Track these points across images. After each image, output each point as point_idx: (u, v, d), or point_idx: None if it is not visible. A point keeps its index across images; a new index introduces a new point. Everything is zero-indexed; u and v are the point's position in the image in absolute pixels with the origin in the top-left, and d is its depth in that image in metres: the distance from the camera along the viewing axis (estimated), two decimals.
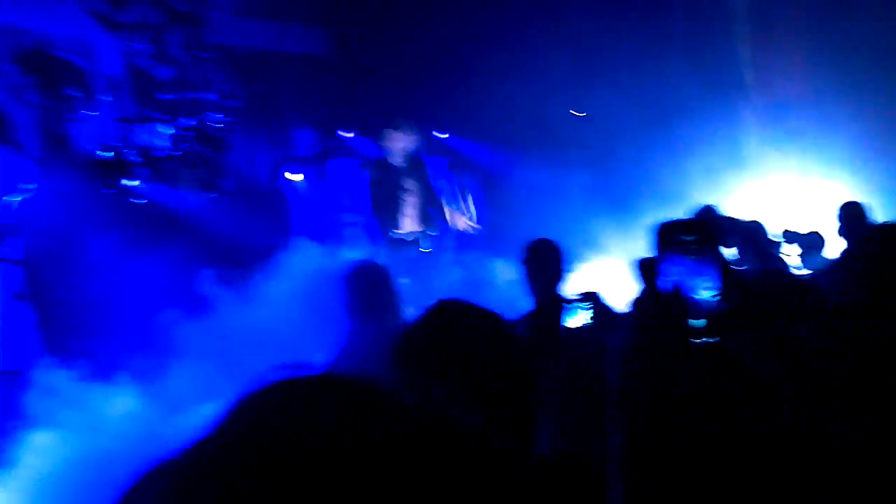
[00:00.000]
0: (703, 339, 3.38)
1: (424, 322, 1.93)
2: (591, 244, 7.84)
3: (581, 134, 10.36)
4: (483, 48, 10.75)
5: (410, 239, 8.30)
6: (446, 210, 8.71)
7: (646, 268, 4.70)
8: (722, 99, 9.40)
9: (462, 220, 8.83)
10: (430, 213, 8.49)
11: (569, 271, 4.94)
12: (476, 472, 0.81)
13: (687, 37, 9.81)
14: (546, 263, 4.84)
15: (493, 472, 0.84)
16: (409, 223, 8.35)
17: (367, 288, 4.49)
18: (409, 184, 8.40)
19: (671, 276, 3.73)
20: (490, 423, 1.72)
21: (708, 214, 6.40)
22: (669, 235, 3.83)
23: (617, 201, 8.62)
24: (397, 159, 8.35)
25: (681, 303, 3.52)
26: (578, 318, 4.54)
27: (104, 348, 6.56)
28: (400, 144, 8.24)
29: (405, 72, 11.35)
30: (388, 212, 8.28)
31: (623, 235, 7.88)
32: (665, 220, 3.91)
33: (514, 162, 10.45)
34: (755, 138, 9.64)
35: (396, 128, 8.04)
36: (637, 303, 4.02)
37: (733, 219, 6.68)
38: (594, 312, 4.55)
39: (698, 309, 3.54)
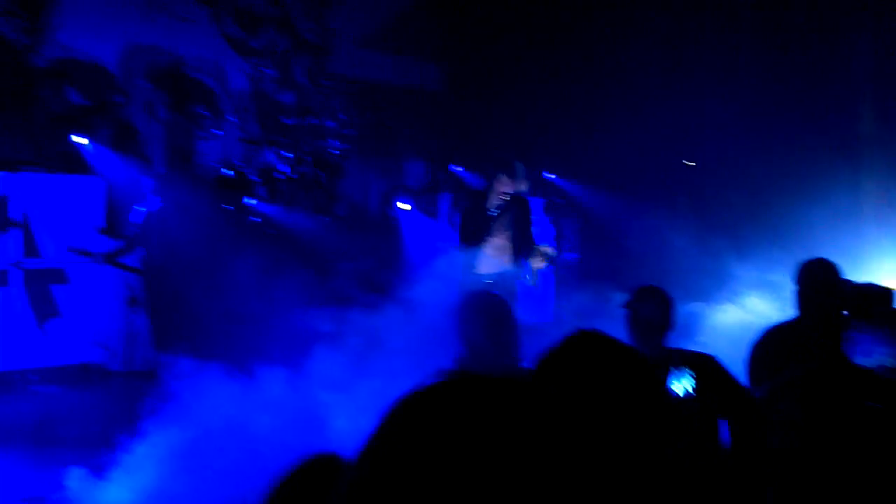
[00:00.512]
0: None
1: (563, 350, 1.91)
2: (701, 294, 7.77)
3: (691, 183, 10.37)
4: (598, 92, 10.88)
5: (495, 275, 8.40)
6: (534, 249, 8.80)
7: (831, 334, 4.47)
8: (843, 155, 9.29)
9: (540, 259, 8.82)
10: (520, 251, 8.56)
11: (676, 322, 4.73)
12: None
13: (805, 90, 9.75)
14: (655, 310, 4.50)
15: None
16: (496, 259, 8.44)
17: (488, 319, 4.40)
18: (505, 221, 8.49)
19: (862, 344, 3.57)
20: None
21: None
22: (865, 305, 3.65)
23: (725, 251, 8.57)
24: (500, 197, 8.48)
25: (875, 379, 3.41)
26: (682, 385, 4.20)
27: (222, 350, 6.80)
28: (507, 187, 8.34)
29: (517, 110, 11.55)
30: (477, 246, 8.36)
31: (735, 286, 7.82)
32: (856, 287, 3.71)
33: (621, 207, 10.50)
34: (875, 194, 9.48)
35: (507, 171, 8.14)
36: (818, 372, 3.80)
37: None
38: (708, 379, 4.20)
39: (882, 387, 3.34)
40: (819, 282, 4.85)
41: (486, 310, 4.55)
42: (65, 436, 6.90)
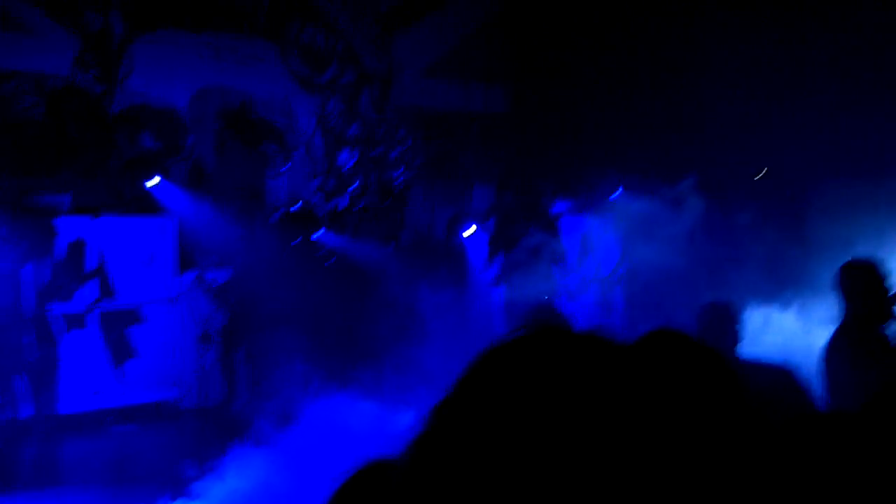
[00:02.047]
0: None
1: (641, 347, 1.84)
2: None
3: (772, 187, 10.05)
4: (665, 106, 10.68)
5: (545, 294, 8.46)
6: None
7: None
8: None
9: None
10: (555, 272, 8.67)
11: (743, 336, 4.69)
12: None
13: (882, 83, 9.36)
14: (721, 325, 4.56)
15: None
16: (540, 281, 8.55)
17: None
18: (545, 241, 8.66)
19: None
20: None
21: None
22: None
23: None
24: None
25: None
26: None
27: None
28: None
29: (586, 126, 11.43)
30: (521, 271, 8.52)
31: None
32: None
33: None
34: None
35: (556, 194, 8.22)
36: None
37: None
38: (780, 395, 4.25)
39: None
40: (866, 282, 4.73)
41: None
42: (140, 474, 7.08)
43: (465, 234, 9.75)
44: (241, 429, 7.82)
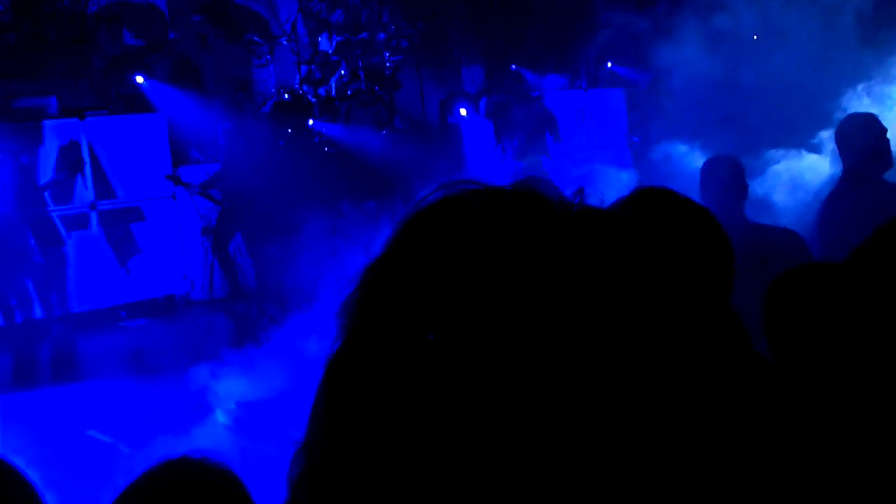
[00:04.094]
0: None
1: (626, 207, 1.74)
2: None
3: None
4: None
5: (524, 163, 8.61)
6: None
7: None
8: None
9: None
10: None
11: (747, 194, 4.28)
12: None
13: None
14: (722, 182, 4.27)
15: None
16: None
17: None
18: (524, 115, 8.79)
19: None
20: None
21: None
22: None
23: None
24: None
25: None
26: None
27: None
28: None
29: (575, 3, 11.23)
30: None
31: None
32: None
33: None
34: None
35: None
36: None
37: None
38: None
39: None
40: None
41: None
42: (156, 365, 7.20)
43: (459, 114, 9.71)
44: (248, 321, 7.95)
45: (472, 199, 0.71)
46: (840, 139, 4.69)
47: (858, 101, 7.21)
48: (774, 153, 7.22)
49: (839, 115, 5.44)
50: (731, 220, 4.20)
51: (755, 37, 10.15)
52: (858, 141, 4.63)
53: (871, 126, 4.64)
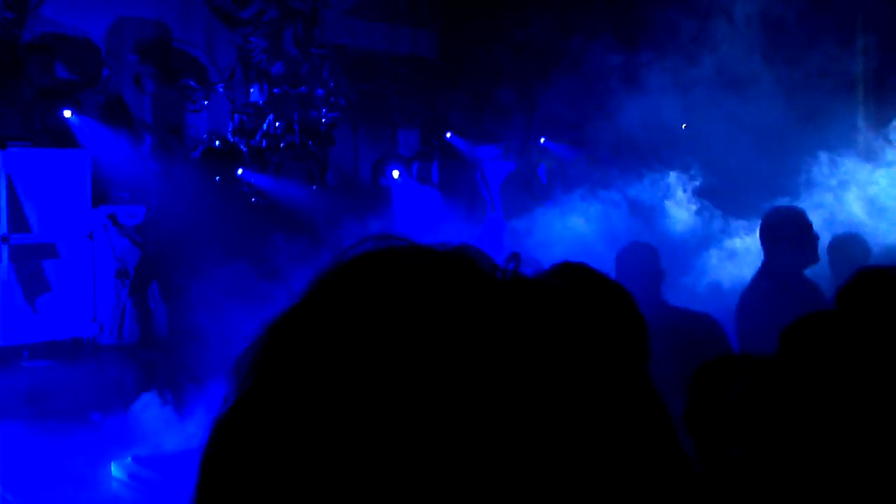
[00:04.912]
0: None
1: (548, 280, 1.75)
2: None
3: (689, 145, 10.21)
4: (592, 58, 10.73)
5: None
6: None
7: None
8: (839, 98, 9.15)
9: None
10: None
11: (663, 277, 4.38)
12: None
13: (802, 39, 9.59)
14: (640, 267, 4.35)
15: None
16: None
17: None
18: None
19: None
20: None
21: None
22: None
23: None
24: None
25: None
26: None
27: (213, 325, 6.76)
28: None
29: (512, 75, 11.43)
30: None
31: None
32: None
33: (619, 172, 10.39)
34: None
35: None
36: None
37: None
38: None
39: None
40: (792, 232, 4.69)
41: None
42: (57, 409, 6.91)
43: (391, 175, 9.71)
44: (158, 370, 7.71)
45: (397, 256, 0.66)
46: (763, 232, 4.71)
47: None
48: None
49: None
50: (649, 303, 4.25)
51: (684, 125, 10.47)
52: (781, 235, 4.69)
53: (795, 220, 4.67)
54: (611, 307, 1.76)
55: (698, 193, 8.70)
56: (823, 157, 7.85)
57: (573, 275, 1.82)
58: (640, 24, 10.34)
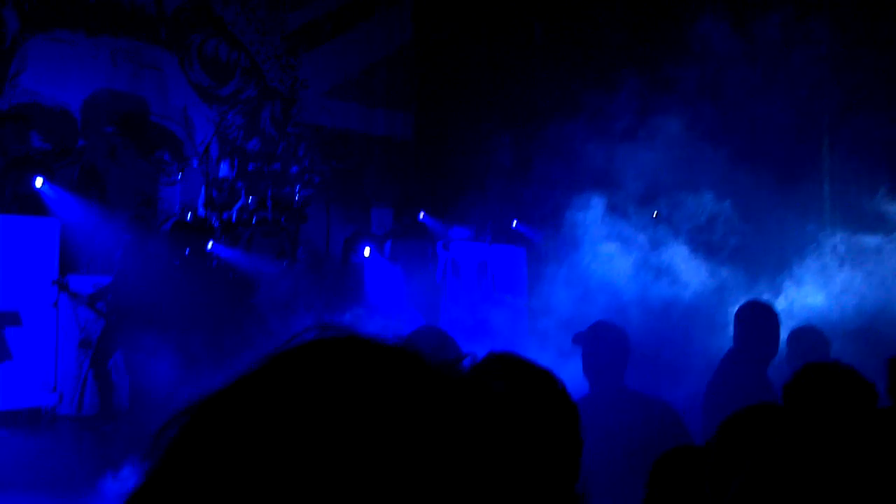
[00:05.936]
0: None
1: (479, 373, 1.70)
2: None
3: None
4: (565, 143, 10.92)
5: None
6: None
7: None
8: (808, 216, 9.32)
9: None
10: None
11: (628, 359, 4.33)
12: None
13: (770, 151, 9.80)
14: (606, 348, 4.30)
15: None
16: None
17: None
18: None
19: None
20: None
21: None
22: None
23: None
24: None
25: None
26: None
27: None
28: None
29: (486, 158, 11.62)
30: None
31: None
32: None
33: None
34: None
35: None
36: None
37: None
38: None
39: None
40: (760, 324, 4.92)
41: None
42: (8, 481, 6.74)
43: (363, 254, 9.74)
44: (118, 443, 7.55)
45: (338, 349, 0.67)
46: (737, 322, 4.95)
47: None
48: None
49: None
50: (611, 386, 4.26)
51: (655, 213, 10.61)
52: (753, 327, 4.86)
53: (767, 316, 4.91)
54: (537, 396, 1.79)
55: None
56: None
57: (504, 365, 1.85)
58: (615, 111, 10.58)
